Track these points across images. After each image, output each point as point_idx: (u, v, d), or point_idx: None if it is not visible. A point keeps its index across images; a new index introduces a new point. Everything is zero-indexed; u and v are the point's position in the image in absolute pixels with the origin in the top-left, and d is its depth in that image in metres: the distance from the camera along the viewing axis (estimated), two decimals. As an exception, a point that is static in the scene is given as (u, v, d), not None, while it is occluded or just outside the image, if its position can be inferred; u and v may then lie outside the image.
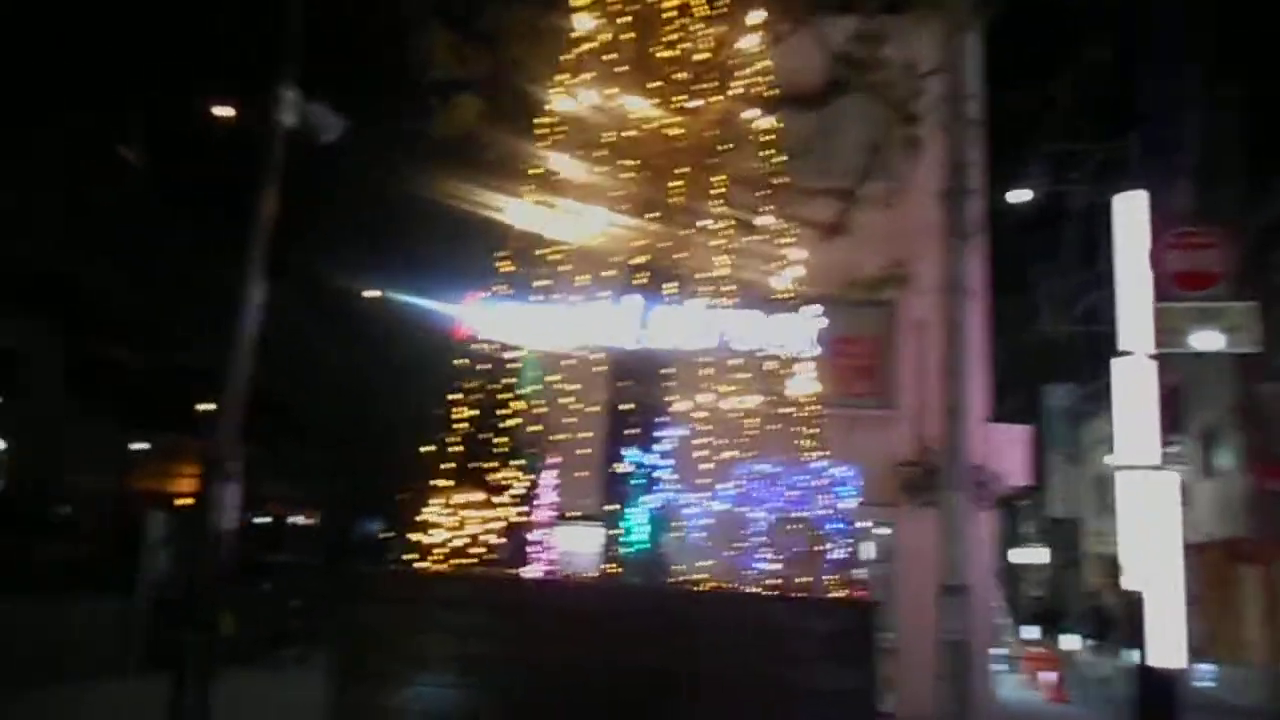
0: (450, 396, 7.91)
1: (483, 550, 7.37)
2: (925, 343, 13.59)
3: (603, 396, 7.89)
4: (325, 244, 20.06)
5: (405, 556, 7.77)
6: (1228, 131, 17.61)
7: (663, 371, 7.75)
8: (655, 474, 7.28)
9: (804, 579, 6.52)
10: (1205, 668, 19.77)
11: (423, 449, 7.74)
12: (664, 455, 7.19)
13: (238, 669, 11.46)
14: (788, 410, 7.29)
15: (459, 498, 7.33)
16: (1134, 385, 10.98)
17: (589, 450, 7.72)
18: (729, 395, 7.36)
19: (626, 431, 7.33)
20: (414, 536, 7.61)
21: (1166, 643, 10.51)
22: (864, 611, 6.07)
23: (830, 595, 6.46)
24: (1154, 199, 11.99)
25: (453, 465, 7.48)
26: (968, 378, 12.82)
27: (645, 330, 7.58)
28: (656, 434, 7.38)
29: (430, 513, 7.42)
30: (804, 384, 7.44)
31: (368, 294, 24.77)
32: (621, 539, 7.04)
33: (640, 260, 7.73)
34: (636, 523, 7.01)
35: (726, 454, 7.14)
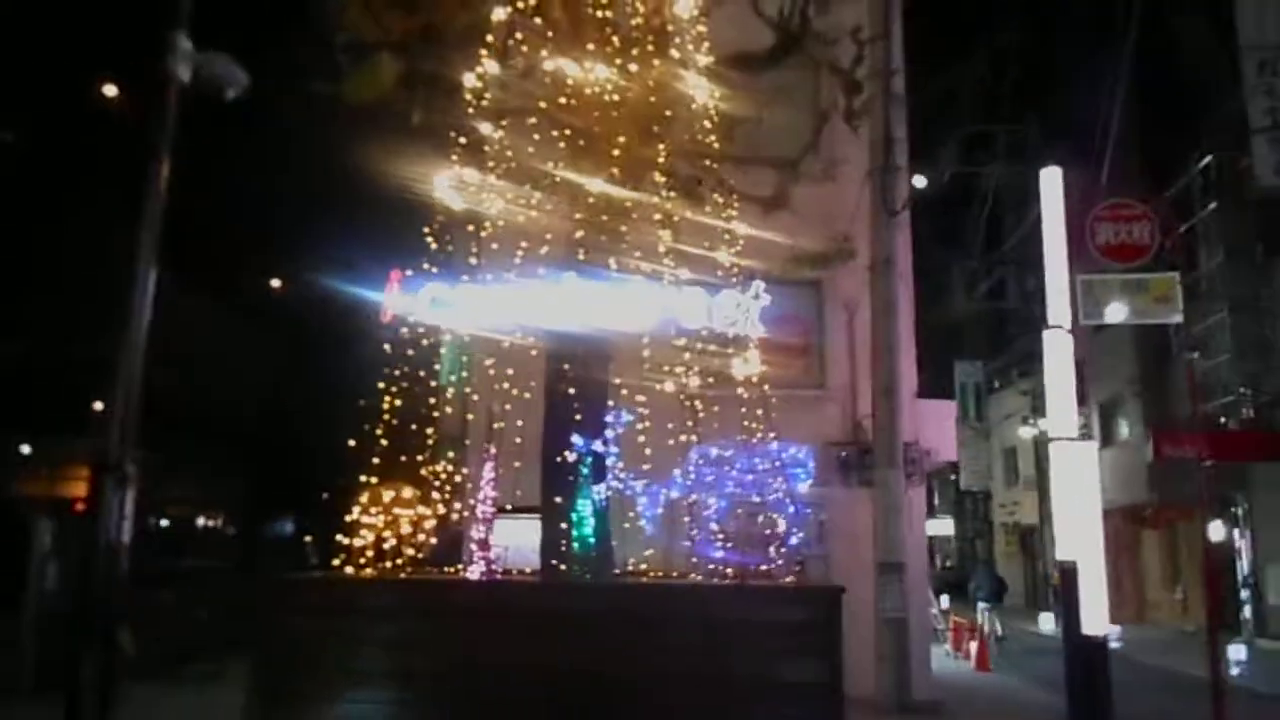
0: (376, 385, 7.33)
1: (415, 550, 6.85)
2: (855, 322, 13.56)
3: (540, 381, 7.43)
4: (231, 226, 18.78)
5: (330, 560, 7.18)
6: (1140, 108, 18.16)
7: (603, 353, 7.32)
8: (600, 462, 6.85)
9: (762, 566, 6.23)
10: (1112, 629, 20.57)
11: (345, 442, 7.14)
12: (609, 442, 6.76)
13: (141, 688, 10.57)
14: (736, 391, 6.97)
15: (386, 494, 6.77)
16: (1063, 357, 11.05)
17: (528, 439, 7.25)
18: (675, 377, 7.00)
19: (567, 418, 6.87)
20: (338, 538, 7.03)
21: (1092, 610, 10.65)
22: (829, 599, 5.78)
23: (795, 584, 6.19)
24: (1071, 175, 12.13)
25: (379, 459, 6.91)
26: (900, 355, 12.89)
27: (584, 310, 7.13)
28: (600, 420, 6.96)
29: (355, 511, 6.84)
30: (750, 364, 7.14)
31: (273, 282, 23.47)
32: (567, 532, 6.58)
33: (577, 236, 7.28)
34: (583, 514, 6.58)
35: (675, 439, 6.77)
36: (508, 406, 7.01)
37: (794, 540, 6.51)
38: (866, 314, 13.77)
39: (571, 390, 6.83)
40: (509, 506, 7.21)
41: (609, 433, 6.79)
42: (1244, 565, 20.89)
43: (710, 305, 7.20)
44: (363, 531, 6.75)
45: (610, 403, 7.08)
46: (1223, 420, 19.57)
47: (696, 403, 6.81)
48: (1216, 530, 22.31)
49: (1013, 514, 34.31)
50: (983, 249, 30.05)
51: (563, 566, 6.40)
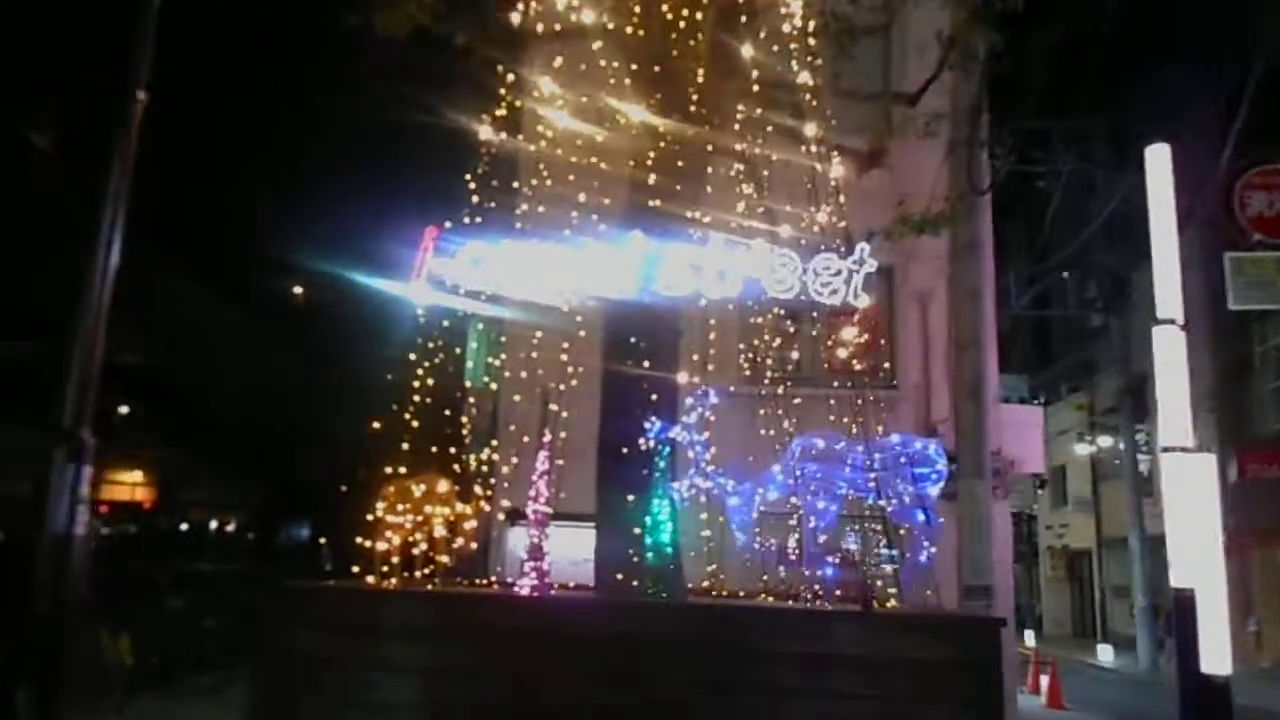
0: (406, 362, 6.19)
1: (449, 557, 5.66)
2: (929, 315, 12.36)
3: (591, 363, 6.23)
4: (246, 192, 17.77)
5: (348, 566, 6.03)
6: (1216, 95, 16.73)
7: (674, 326, 6.12)
8: (673, 453, 5.62)
9: (887, 589, 4.99)
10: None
11: (369, 434, 6.00)
12: (691, 429, 5.53)
13: (138, 702, 9.54)
14: (843, 372, 5.75)
15: (417, 488, 5.60)
16: (1175, 357, 9.65)
17: (574, 433, 6.05)
18: (766, 354, 5.78)
19: (633, 401, 5.65)
20: (360, 541, 5.86)
21: (1213, 645, 9.15)
22: (986, 633, 4.49)
23: (944, 614, 4.93)
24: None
25: (408, 447, 5.74)
26: (986, 351, 11.59)
27: (651, 274, 5.93)
28: (672, 403, 5.73)
29: (379, 509, 5.67)
30: (860, 341, 5.92)
31: (296, 290, 22.52)
32: (636, 539, 5.35)
33: (646, 187, 6.08)
34: (658, 517, 5.35)
35: (767, 428, 5.54)
36: (561, 387, 5.82)
37: (924, 557, 5.27)
38: (941, 306, 12.50)
39: (645, 365, 5.61)
40: (568, 512, 6.00)
41: (689, 417, 5.55)
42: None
43: (805, 270, 5.98)
44: (387, 533, 5.57)
45: (688, 380, 5.85)
46: (1316, 439, 18.06)
47: (798, 385, 5.58)
48: (1294, 559, 20.67)
49: (1061, 537, 32.59)
50: (1039, 255, 28.54)
51: (634, 581, 5.16)
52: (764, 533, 5.45)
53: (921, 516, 5.21)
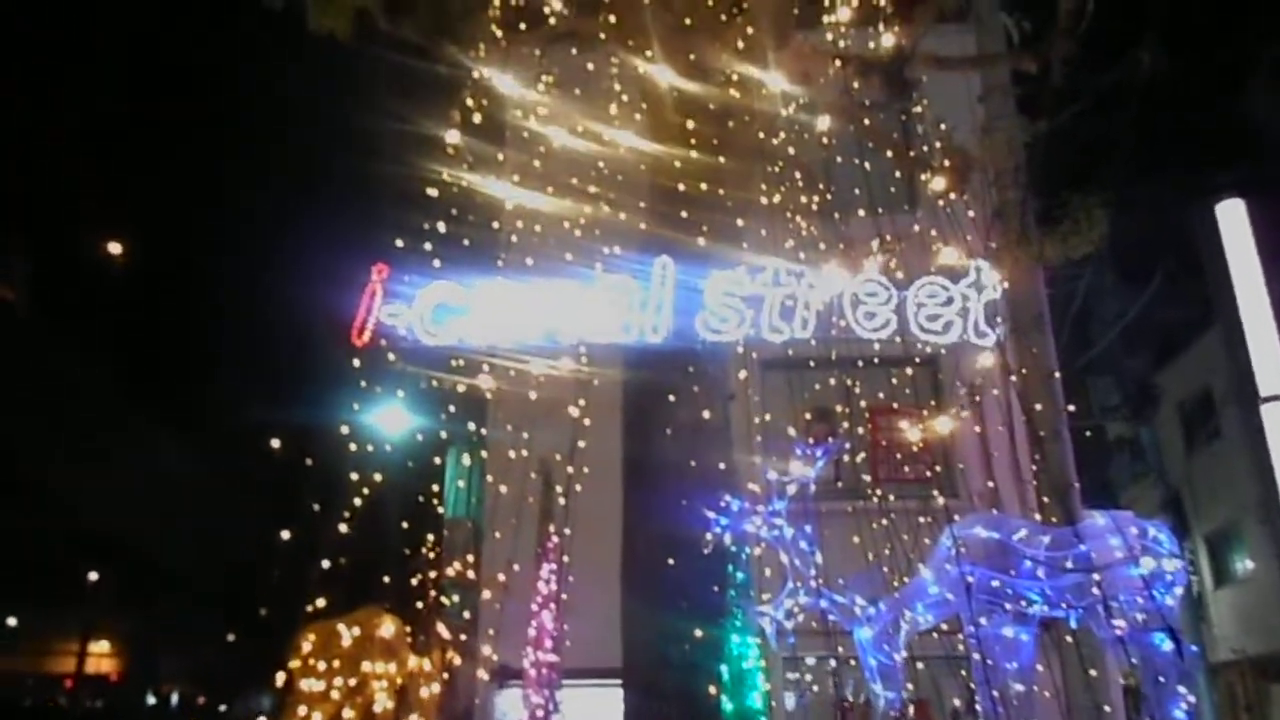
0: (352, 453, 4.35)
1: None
2: (984, 409, 10.68)
3: (609, 437, 4.37)
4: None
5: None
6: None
7: (724, 384, 4.31)
8: (735, 559, 3.63)
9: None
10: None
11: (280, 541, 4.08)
12: (778, 520, 3.58)
13: None
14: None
15: (346, 633, 3.60)
16: (1291, 435, 7.98)
17: (606, 542, 4.11)
18: (874, 411, 3.97)
19: (675, 487, 3.76)
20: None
21: None
22: None
23: None
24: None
25: (334, 572, 3.77)
26: (1067, 445, 9.86)
27: (684, 315, 4.20)
28: (729, 487, 3.82)
29: (294, 664, 3.65)
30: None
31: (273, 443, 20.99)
32: (695, 701, 3.27)
33: (672, 196, 4.42)
34: (735, 666, 3.33)
35: (883, 517, 3.64)
36: (569, 470, 3.93)
37: (1181, 710, 3.29)
38: (995, 399, 10.91)
39: (686, 430, 3.75)
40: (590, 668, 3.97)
41: (773, 503, 3.60)
42: None
43: (901, 302, 4.30)
44: (300, 708, 3.52)
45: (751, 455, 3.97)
46: None
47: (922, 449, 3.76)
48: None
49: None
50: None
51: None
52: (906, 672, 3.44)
53: (1167, 643, 3.26)
